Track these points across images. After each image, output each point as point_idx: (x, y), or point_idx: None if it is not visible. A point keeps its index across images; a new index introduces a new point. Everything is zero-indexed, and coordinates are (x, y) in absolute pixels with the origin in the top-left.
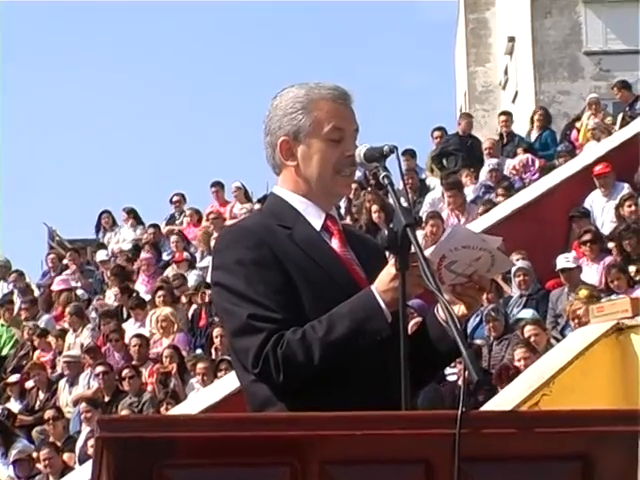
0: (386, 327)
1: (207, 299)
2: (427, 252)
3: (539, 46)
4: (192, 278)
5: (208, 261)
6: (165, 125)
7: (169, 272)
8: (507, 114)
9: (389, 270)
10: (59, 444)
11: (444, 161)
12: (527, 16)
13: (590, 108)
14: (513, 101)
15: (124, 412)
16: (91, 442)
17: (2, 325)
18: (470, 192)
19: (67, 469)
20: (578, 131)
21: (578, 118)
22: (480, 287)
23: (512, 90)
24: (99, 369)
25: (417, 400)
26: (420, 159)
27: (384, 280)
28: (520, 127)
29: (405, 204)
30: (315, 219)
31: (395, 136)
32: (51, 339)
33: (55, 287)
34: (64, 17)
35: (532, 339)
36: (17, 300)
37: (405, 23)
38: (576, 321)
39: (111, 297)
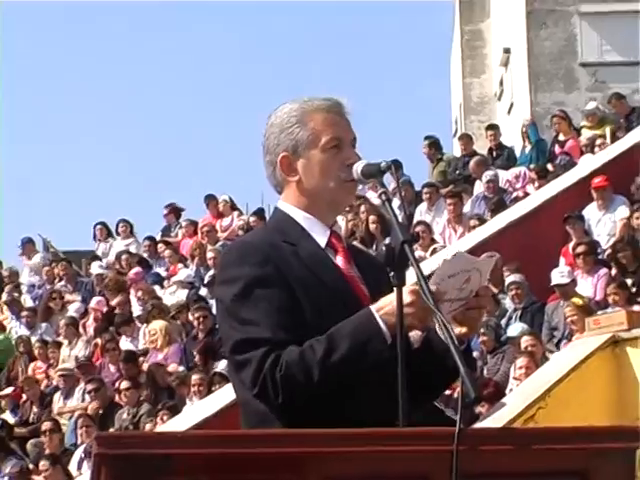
0: (386, 349)
1: (197, 315)
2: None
3: (534, 57)
4: (183, 293)
5: (198, 275)
6: (163, 135)
7: (163, 289)
8: (494, 127)
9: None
10: (57, 455)
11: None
12: (522, 27)
13: (587, 119)
14: (508, 112)
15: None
16: None
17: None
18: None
19: None
20: (560, 145)
21: (557, 136)
22: (480, 306)
23: (507, 101)
24: (89, 387)
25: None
26: (418, 169)
27: (389, 301)
28: (515, 139)
29: (401, 216)
30: (320, 236)
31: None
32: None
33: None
34: (57, 26)
35: (529, 349)
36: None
37: (401, 34)
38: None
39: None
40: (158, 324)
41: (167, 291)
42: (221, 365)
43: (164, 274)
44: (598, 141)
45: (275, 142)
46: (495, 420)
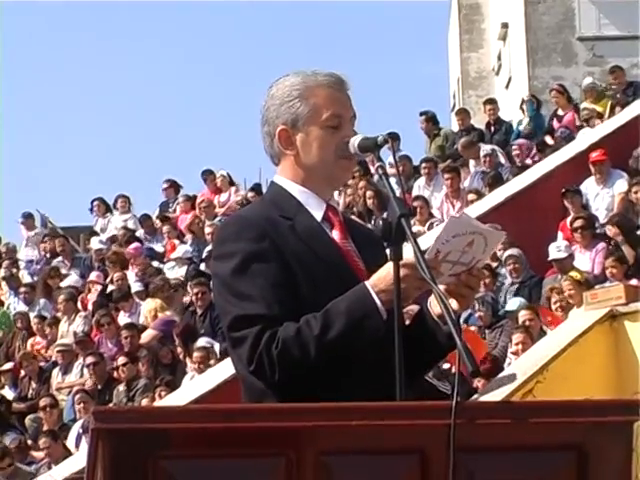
0: (382, 326)
1: (196, 290)
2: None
3: (532, 32)
4: (182, 269)
5: (196, 251)
6: (160, 112)
7: (161, 265)
8: (492, 102)
9: (390, 268)
10: (57, 431)
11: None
12: (520, 1)
13: (586, 94)
14: (507, 87)
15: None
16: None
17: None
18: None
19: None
20: (558, 119)
21: (556, 110)
22: (469, 285)
23: (505, 76)
24: (89, 360)
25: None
26: (416, 144)
27: (383, 277)
28: (513, 113)
29: (399, 191)
30: (316, 210)
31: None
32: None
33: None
34: (54, 13)
35: (527, 324)
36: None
37: (399, 9)
38: (558, 303)
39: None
40: (154, 304)
41: (166, 267)
42: (199, 343)
43: (161, 250)
44: (597, 117)
45: (275, 114)
46: (493, 394)
